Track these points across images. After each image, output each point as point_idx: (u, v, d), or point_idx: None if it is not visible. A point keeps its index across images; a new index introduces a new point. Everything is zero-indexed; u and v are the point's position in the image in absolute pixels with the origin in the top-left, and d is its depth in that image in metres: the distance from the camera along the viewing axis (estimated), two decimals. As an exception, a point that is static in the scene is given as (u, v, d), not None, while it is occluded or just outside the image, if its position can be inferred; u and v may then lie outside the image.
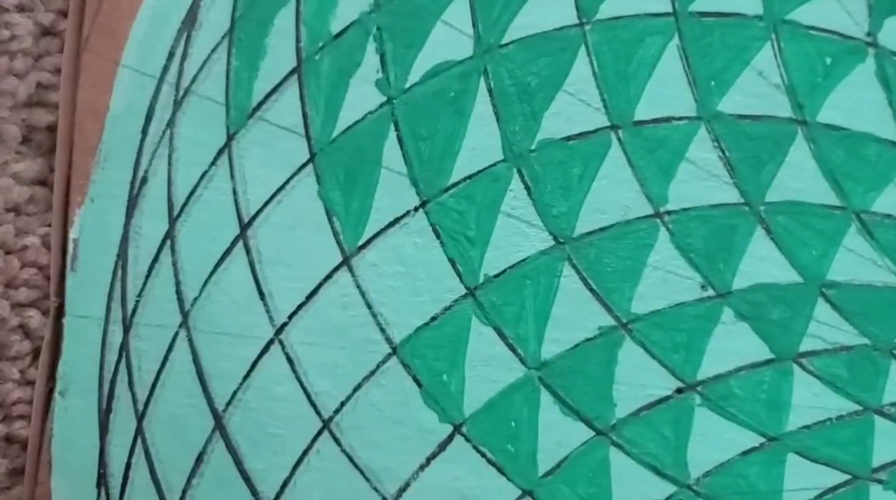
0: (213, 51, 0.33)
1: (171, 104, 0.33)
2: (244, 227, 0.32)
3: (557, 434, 0.30)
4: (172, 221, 0.33)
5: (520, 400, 0.31)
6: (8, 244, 0.33)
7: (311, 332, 0.32)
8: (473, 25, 0.31)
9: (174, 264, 0.33)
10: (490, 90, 0.31)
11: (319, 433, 0.32)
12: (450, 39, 0.31)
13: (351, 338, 0.32)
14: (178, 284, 0.33)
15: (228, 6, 0.33)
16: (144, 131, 0.33)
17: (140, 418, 0.33)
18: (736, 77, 0.30)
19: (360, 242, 0.32)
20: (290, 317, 0.32)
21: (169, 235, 0.33)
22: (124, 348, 0.33)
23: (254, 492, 0.32)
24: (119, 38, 0.33)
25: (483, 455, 0.31)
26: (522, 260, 0.31)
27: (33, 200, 0.34)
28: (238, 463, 0.32)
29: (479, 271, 0.31)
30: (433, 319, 0.31)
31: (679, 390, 0.30)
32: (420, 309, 0.31)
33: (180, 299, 0.33)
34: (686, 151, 0.30)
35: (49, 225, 0.34)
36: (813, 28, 0.30)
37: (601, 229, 0.31)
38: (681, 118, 0.30)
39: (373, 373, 0.31)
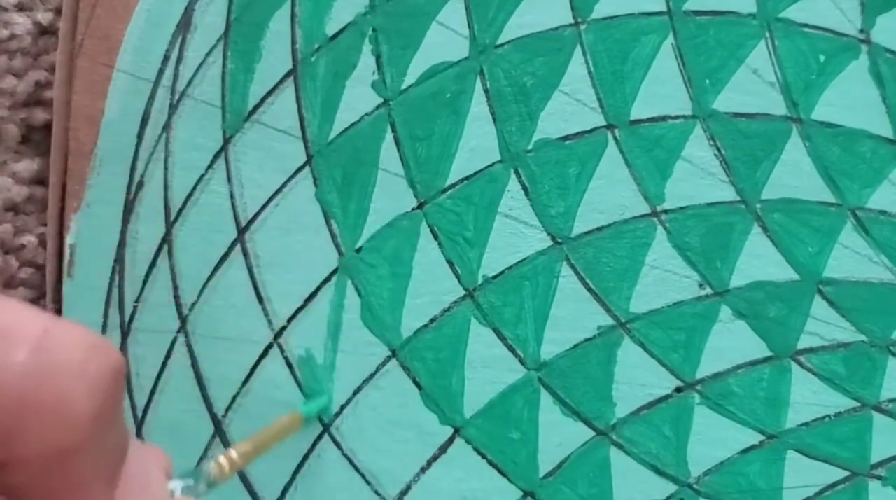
0: (209, 54, 0.34)
1: (167, 108, 0.34)
2: (241, 230, 0.33)
3: (558, 435, 0.32)
4: (169, 225, 0.34)
5: (520, 401, 0.32)
6: (6, 244, 0.34)
7: (310, 335, 0.33)
8: (469, 26, 0.32)
9: (172, 269, 0.34)
10: (486, 91, 0.32)
11: (320, 437, 0.33)
12: (445, 40, 0.32)
13: (350, 341, 0.33)
14: (175, 288, 0.34)
15: (223, 9, 0.33)
16: (140, 136, 0.34)
17: (139, 424, 0.34)
18: (731, 75, 0.31)
19: (359, 245, 0.33)
20: (289, 320, 0.33)
21: (166, 240, 0.34)
22: (123, 353, 0.34)
23: (254, 497, 0.33)
24: (113, 42, 0.34)
25: (484, 457, 0.32)
26: (521, 261, 0.32)
27: (32, 200, 0.35)
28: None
29: (478, 272, 0.32)
30: (432, 320, 0.32)
31: (678, 389, 0.32)
32: (419, 311, 0.32)
33: (178, 304, 0.34)
34: (682, 149, 0.31)
35: (46, 224, 0.35)
36: (806, 26, 0.31)
37: (599, 229, 0.32)
38: (676, 117, 0.31)
39: (372, 376, 0.33)
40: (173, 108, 0.34)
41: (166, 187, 0.34)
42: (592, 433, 0.32)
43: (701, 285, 0.32)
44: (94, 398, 0.18)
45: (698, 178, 0.31)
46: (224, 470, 0.25)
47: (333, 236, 0.33)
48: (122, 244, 0.34)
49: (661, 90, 0.32)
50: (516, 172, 0.32)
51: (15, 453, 0.18)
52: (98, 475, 0.19)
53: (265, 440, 0.29)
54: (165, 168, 0.34)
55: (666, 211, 0.32)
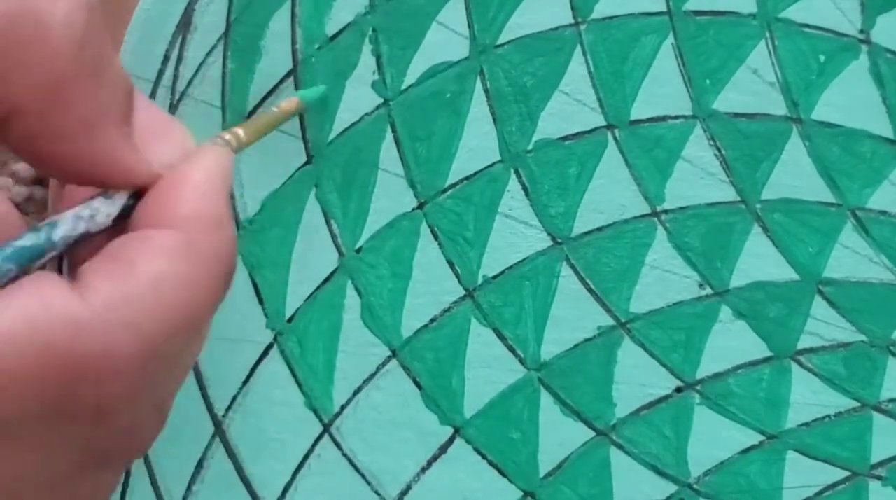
0: (209, 54, 0.34)
1: (167, 108, 0.34)
2: (242, 230, 0.33)
3: (558, 435, 0.32)
4: (170, 225, 0.34)
5: (520, 401, 0.32)
6: (7, 245, 0.34)
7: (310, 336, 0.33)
8: (469, 26, 0.32)
9: (172, 269, 0.34)
10: (486, 91, 0.32)
11: (320, 437, 0.33)
12: (446, 40, 0.32)
13: (350, 341, 0.33)
14: (176, 289, 0.34)
15: (223, 9, 0.33)
16: (140, 136, 0.34)
17: (139, 424, 0.34)
18: (731, 75, 0.31)
19: (359, 245, 0.33)
20: (290, 320, 0.33)
21: (166, 240, 0.34)
22: (123, 353, 0.34)
23: (255, 497, 0.33)
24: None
25: (484, 457, 0.32)
26: (521, 261, 0.32)
27: (31, 200, 0.35)
28: (238, 469, 0.33)
29: (478, 272, 0.32)
30: (432, 320, 0.32)
31: (678, 389, 0.32)
32: (419, 311, 0.33)
33: (178, 304, 0.34)
34: (682, 149, 0.32)
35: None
36: (806, 26, 0.31)
37: (599, 229, 0.32)
38: (676, 117, 0.32)
39: (372, 376, 0.33)
40: (173, 108, 0.34)
41: (166, 187, 0.34)
42: (592, 433, 0.32)
43: (701, 285, 0.32)
44: (73, 21, 0.18)
45: (698, 178, 0.32)
46: (231, 143, 0.25)
47: (333, 236, 0.33)
48: (122, 244, 0.34)
49: (661, 90, 0.32)
50: (516, 172, 0.32)
51: (9, 99, 0.18)
52: (104, 110, 0.19)
53: (267, 121, 0.29)
54: (165, 168, 0.34)
55: (666, 211, 0.32)
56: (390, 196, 0.33)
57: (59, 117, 0.18)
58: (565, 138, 0.32)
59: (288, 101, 0.30)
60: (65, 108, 0.18)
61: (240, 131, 0.25)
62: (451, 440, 0.32)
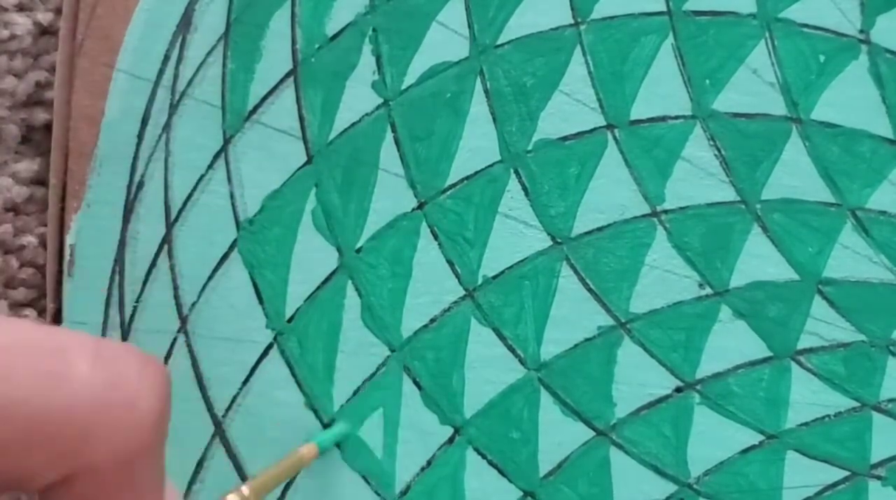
0: (209, 54, 0.34)
1: (167, 108, 0.34)
2: (241, 230, 0.33)
3: (558, 435, 0.32)
4: (169, 225, 0.34)
5: (520, 401, 0.32)
6: (7, 244, 0.34)
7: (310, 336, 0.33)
8: (469, 26, 0.32)
9: (172, 269, 0.34)
10: (486, 91, 0.32)
11: (320, 437, 0.33)
12: (446, 40, 0.33)
13: (350, 341, 0.33)
14: (175, 288, 0.34)
15: (224, 9, 0.34)
16: (140, 136, 0.34)
17: (139, 424, 0.34)
18: (730, 75, 0.31)
19: (359, 245, 0.33)
20: (290, 320, 0.33)
21: (166, 240, 0.34)
22: (123, 353, 0.34)
23: (255, 497, 0.33)
24: (114, 42, 0.34)
25: (484, 457, 0.32)
26: (521, 261, 0.32)
27: (32, 200, 0.35)
28: (238, 468, 0.33)
29: (478, 273, 0.32)
30: (432, 320, 0.33)
31: (678, 389, 0.32)
32: (419, 311, 0.33)
33: (178, 304, 0.34)
34: (682, 149, 0.32)
35: (46, 225, 0.35)
36: (806, 26, 0.31)
37: (599, 229, 0.32)
38: (676, 117, 0.32)
39: (372, 376, 0.33)
40: (173, 108, 0.34)
41: (166, 187, 0.34)
42: (592, 433, 0.32)
43: (701, 285, 0.32)
44: (158, 399, 0.19)
45: (698, 178, 0.32)
46: None
47: (334, 237, 0.33)
48: (122, 244, 0.34)
49: (661, 90, 0.32)
50: (516, 172, 0.32)
51: (84, 462, 0.19)
52: (155, 484, 0.20)
53: (278, 474, 0.29)
54: (165, 168, 0.34)
55: (666, 211, 0.32)
56: (390, 196, 0.33)
57: (116, 487, 0.19)
58: (565, 138, 0.32)
59: (308, 447, 0.31)
60: (127, 477, 0.19)
61: (245, 490, 0.26)
62: (450, 440, 0.32)
